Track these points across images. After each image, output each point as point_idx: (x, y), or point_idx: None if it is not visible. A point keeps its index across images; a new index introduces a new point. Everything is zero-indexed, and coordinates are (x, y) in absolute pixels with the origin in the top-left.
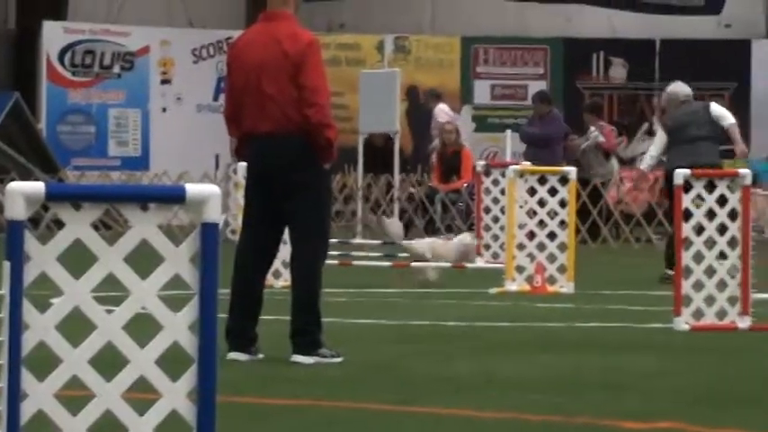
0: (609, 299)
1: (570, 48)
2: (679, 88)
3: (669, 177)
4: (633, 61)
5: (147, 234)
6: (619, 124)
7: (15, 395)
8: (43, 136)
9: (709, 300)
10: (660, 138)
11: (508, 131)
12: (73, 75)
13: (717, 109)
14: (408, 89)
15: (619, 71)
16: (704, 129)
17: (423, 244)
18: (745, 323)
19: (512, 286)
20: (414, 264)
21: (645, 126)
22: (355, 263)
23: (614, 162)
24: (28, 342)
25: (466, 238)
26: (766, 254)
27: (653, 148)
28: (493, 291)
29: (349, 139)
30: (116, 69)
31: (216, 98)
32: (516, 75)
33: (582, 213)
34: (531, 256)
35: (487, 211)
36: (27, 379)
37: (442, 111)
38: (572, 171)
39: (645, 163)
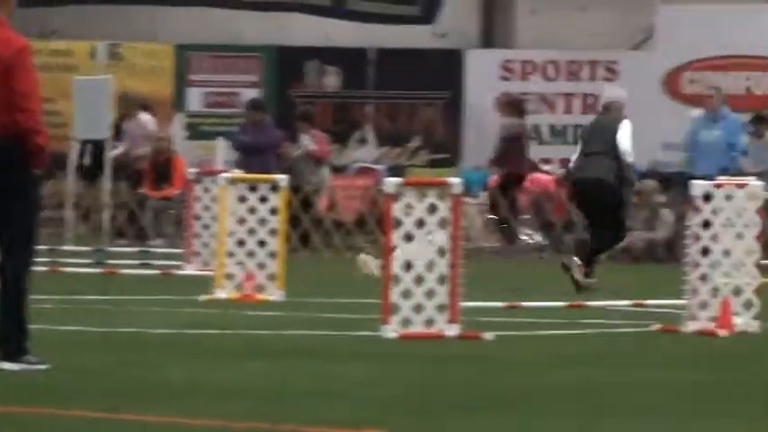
0: (319, 307)
1: (284, 56)
2: (604, 95)
3: (574, 184)
4: (347, 70)
5: None
6: (331, 132)
7: None
8: None
9: (418, 308)
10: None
11: (220, 139)
12: None
13: (623, 135)
14: (120, 96)
15: (332, 80)
16: (603, 144)
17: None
18: (453, 331)
19: (221, 294)
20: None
21: (357, 134)
22: (63, 269)
23: (326, 170)
24: None
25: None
26: (475, 263)
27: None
28: (202, 298)
29: (62, 146)
30: None
31: None
32: (229, 82)
33: (293, 221)
34: (242, 264)
35: (198, 218)
36: None
37: (151, 121)
38: (283, 179)
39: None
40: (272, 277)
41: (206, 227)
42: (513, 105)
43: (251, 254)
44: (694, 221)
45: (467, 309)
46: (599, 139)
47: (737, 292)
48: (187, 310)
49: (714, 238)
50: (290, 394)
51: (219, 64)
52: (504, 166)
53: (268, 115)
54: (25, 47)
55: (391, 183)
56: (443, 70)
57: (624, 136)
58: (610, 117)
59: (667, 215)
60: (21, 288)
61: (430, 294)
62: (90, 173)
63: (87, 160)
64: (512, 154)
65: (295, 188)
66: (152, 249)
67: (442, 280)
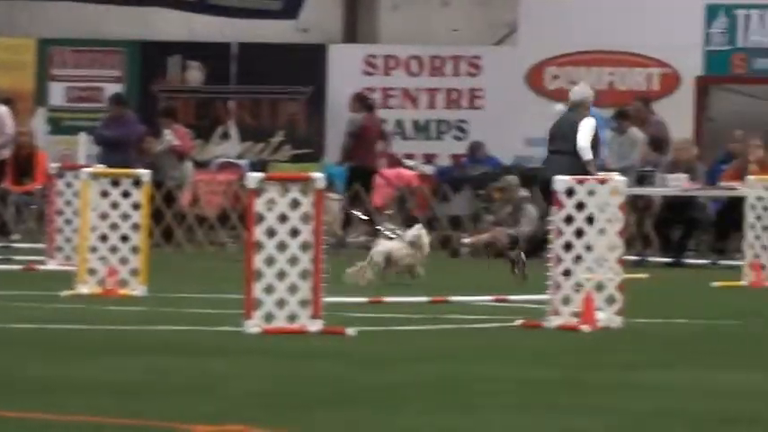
0: (182, 302)
1: (147, 51)
2: (571, 94)
3: (542, 183)
4: (210, 65)
5: None
6: (194, 128)
7: None
8: None
9: (281, 303)
10: None
11: (82, 134)
12: None
13: (581, 133)
14: None
15: (195, 75)
16: (568, 143)
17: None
18: (316, 326)
19: (83, 289)
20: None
21: (220, 129)
22: None
23: (189, 165)
24: None
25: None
26: (338, 258)
27: None
28: (65, 293)
29: None
30: None
31: None
32: (92, 77)
33: (156, 216)
34: (104, 259)
35: (60, 213)
36: None
37: (6, 114)
38: (146, 174)
39: None
40: (134, 272)
41: (68, 222)
42: (359, 100)
43: (113, 249)
44: (557, 217)
45: (330, 304)
46: (563, 137)
47: (600, 287)
48: (50, 306)
49: (577, 233)
50: (153, 389)
51: (82, 59)
52: (352, 161)
53: (131, 110)
54: None
55: (254, 178)
56: (306, 65)
57: (581, 134)
58: (576, 115)
59: (531, 210)
60: None
61: (293, 289)
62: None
63: None
64: (358, 149)
65: (158, 183)
66: (14, 244)
67: (304, 275)
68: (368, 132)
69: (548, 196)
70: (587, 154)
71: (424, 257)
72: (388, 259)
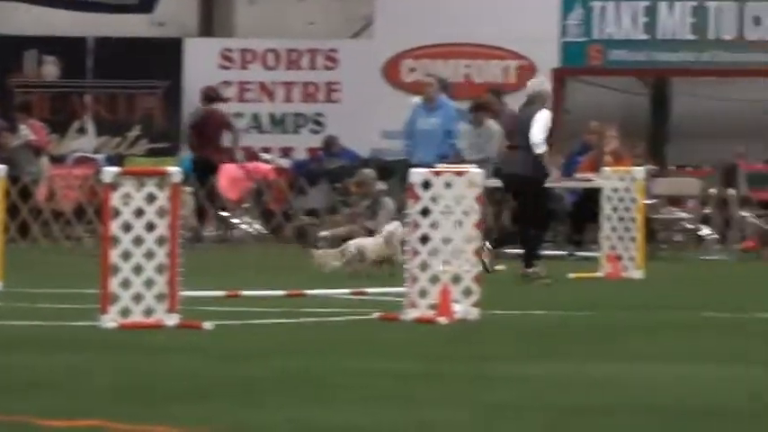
0: (38, 297)
1: (2, 45)
2: (527, 87)
3: (503, 180)
4: (65, 59)
5: None
6: (50, 122)
7: None
8: None
9: (137, 297)
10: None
11: None
12: None
13: (535, 127)
14: None
15: (51, 69)
16: (522, 138)
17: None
18: (172, 320)
19: None
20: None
21: (76, 124)
22: None
23: (45, 160)
24: None
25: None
26: (194, 252)
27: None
28: None
29: None
30: None
31: None
32: None
33: (11, 212)
34: None
35: None
36: None
37: None
38: (1, 169)
39: None
40: None
41: None
42: (203, 93)
43: None
44: (414, 209)
45: (186, 298)
46: (519, 132)
47: (457, 279)
48: None
49: (434, 225)
50: (7, 385)
51: None
52: (195, 153)
53: None
54: None
55: (109, 172)
56: (162, 59)
57: (536, 128)
58: (531, 110)
59: (389, 203)
60: None
61: (149, 284)
62: None
63: None
64: (198, 140)
65: (14, 178)
66: None
67: (160, 269)
68: (208, 124)
69: (509, 192)
70: (539, 148)
71: (396, 254)
72: (362, 253)
